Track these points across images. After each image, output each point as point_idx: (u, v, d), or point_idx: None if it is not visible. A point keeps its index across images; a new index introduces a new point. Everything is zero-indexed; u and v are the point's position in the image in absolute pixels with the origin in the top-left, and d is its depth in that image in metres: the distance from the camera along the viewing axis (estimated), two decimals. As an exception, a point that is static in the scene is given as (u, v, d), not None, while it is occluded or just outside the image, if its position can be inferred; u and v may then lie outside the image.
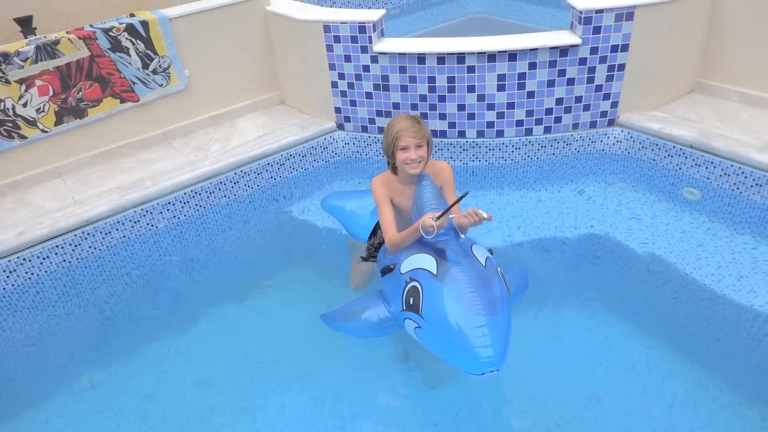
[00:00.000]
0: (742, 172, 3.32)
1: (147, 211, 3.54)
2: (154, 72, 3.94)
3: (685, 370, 2.55)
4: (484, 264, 2.24)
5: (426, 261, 2.26)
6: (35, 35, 3.73)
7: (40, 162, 3.75)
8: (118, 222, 3.46)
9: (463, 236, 2.37)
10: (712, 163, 3.45)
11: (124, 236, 3.50)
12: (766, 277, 2.87)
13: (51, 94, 3.62)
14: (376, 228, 2.90)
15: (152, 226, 3.58)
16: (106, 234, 3.44)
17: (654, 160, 3.71)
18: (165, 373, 2.76)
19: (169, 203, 3.60)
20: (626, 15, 3.46)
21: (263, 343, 2.90)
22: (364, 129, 4.07)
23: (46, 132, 3.69)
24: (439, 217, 2.17)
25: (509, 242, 3.29)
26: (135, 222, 3.52)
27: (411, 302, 2.21)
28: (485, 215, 2.11)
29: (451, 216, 2.23)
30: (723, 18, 3.79)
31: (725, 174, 3.40)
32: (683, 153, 3.56)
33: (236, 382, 2.67)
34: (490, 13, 5.51)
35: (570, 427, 2.35)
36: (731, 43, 3.82)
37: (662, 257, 3.07)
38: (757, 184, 3.28)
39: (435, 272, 2.19)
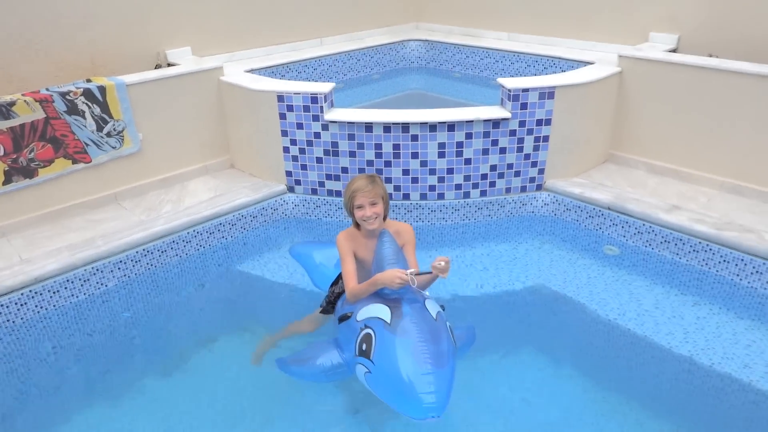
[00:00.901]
0: (652, 230, 3.78)
1: (98, 270, 3.54)
2: (108, 135, 4.04)
3: (615, 408, 2.79)
4: (435, 317, 2.43)
5: (381, 310, 2.43)
6: (-12, 96, 3.77)
7: (-17, 221, 3.70)
8: (68, 281, 3.44)
9: (426, 293, 2.59)
10: (627, 222, 3.90)
11: (72, 295, 3.47)
12: (680, 321, 3.24)
13: (2, 153, 3.64)
14: (338, 278, 3.07)
15: (102, 284, 3.58)
16: (54, 293, 3.40)
17: (577, 220, 4.13)
18: None
19: (121, 261, 3.62)
20: (548, 93, 3.95)
21: (211, 401, 2.87)
22: (314, 191, 4.30)
23: (-7, 191, 3.67)
24: (416, 275, 2.42)
25: (452, 296, 3.53)
26: (84, 281, 3.50)
27: (363, 348, 2.35)
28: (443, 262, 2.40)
29: (414, 276, 2.45)
30: (628, 99, 4.40)
31: (638, 232, 3.85)
32: (602, 214, 4.00)
33: None
34: (426, 90, 6.01)
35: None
36: (636, 120, 4.41)
37: (588, 306, 3.39)
38: (665, 241, 3.73)
39: (389, 321, 2.36)
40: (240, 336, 3.40)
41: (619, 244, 3.92)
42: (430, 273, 2.46)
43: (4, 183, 3.70)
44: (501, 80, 4.05)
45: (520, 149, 4.09)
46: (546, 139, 4.09)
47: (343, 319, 2.61)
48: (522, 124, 4.00)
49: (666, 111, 4.24)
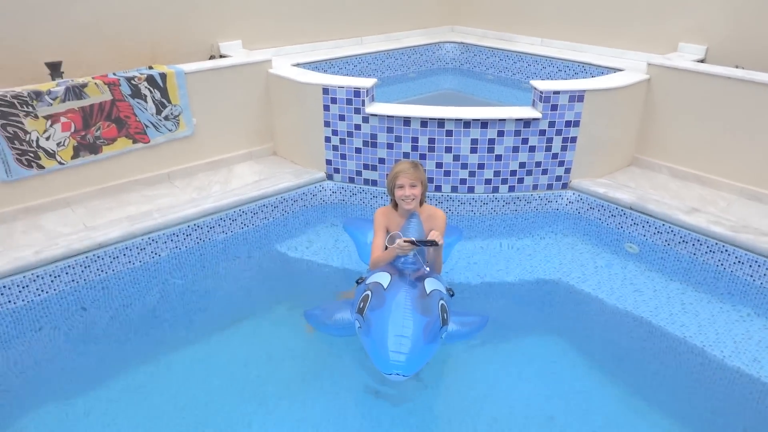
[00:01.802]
0: (672, 231, 3.97)
1: (153, 240, 3.87)
2: (166, 118, 4.37)
3: (625, 397, 2.95)
4: (428, 293, 2.71)
5: (383, 277, 2.78)
6: (62, 78, 4.14)
7: (52, 191, 4.06)
8: (126, 248, 3.77)
9: (426, 268, 2.87)
10: (647, 222, 4.10)
11: (129, 261, 3.80)
12: (693, 316, 3.44)
13: (72, 130, 3.99)
14: None
15: (156, 254, 3.90)
16: (113, 258, 3.74)
17: (600, 219, 4.34)
18: (148, 396, 2.88)
19: (174, 234, 3.94)
20: (578, 97, 4.17)
21: (245, 372, 3.05)
22: (351, 180, 4.58)
23: (63, 164, 4.02)
24: (411, 243, 2.76)
25: (477, 283, 3.77)
26: (141, 249, 3.83)
27: (361, 306, 2.69)
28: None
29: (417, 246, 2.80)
30: (654, 106, 4.59)
31: (658, 232, 4.05)
32: (624, 213, 4.21)
33: (217, 408, 2.80)
34: (460, 90, 6.27)
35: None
36: (661, 126, 4.60)
37: (606, 300, 3.60)
38: (683, 241, 3.92)
39: (385, 286, 2.70)
40: (276, 311, 3.66)
41: (640, 243, 4.12)
42: (433, 243, 2.78)
43: (73, 157, 4.05)
44: (533, 82, 4.28)
45: (548, 148, 4.31)
46: (574, 140, 4.31)
47: (359, 281, 2.96)
48: (552, 124, 4.23)
49: (691, 118, 4.43)
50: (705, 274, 3.79)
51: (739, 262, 3.70)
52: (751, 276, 3.66)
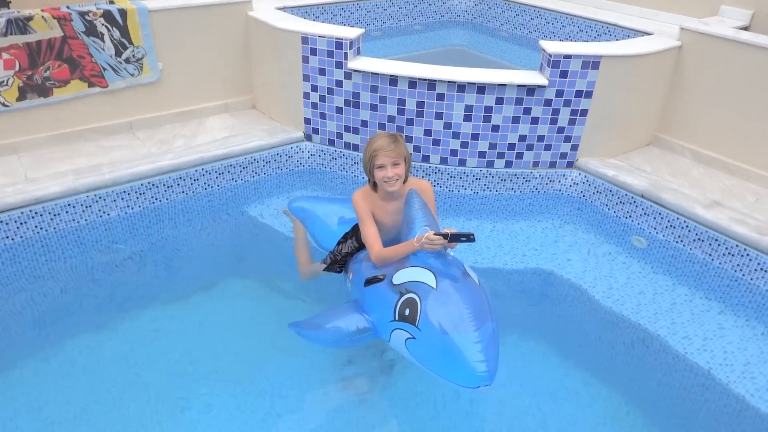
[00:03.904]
0: (687, 226, 3.45)
1: (100, 197, 3.48)
2: (127, 61, 3.92)
3: (616, 409, 2.62)
4: (479, 284, 2.31)
5: (423, 275, 2.28)
6: (8, 9, 3.68)
7: (-4, 135, 3.68)
8: (69, 205, 3.40)
9: (451, 253, 2.43)
10: (660, 214, 3.58)
11: (73, 219, 3.44)
12: (698, 326, 2.98)
13: (17, 69, 3.57)
14: (346, 237, 2.92)
15: (104, 213, 3.53)
16: (54, 215, 3.37)
17: (607, 205, 3.83)
18: (93, 365, 2.69)
19: (124, 192, 3.56)
20: (592, 63, 3.60)
21: (199, 344, 2.85)
22: (331, 142, 4.11)
23: (7, 106, 3.62)
24: (443, 238, 2.22)
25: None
26: (86, 207, 3.46)
27: (407, 313, 2.23)
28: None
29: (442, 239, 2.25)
30: (684, 78, 3.98)
31: (671, 226, 3.53)
32: (634, 201, 3.69)
33: (167, 381, 2.63)
34: (469, 47, 5.66)
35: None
36: (689, 103, 4.00)
37: (604, 300, 3.16)
38: (699, 239, 3.41)
39: (434, 286, 2.23)
40: (239, 281, 3.34)
41: (649, 237, 3.62)
42: (470, 237, 2.24)
43: (18, 99, 3.65)
44: (543, 43, 3.71)
45: (554, 121, 3.77)
46: (584, 113, 3.76)
47: (373, 281, 2.46)
48: (559, 93, 3.67)
49: (724, 95, 3.82)
50: (719, 280, 3.29)
51: (761, 269, 3.18)
52: (774, 287, 3.15)
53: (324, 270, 2.97)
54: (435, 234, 2.22)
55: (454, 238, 2.22)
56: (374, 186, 2.61)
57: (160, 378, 2.65)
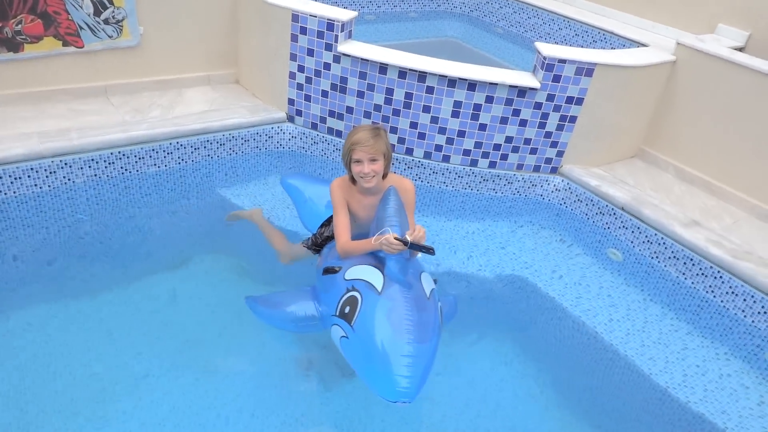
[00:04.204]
0: (663, 243, 3.44)
1: (66, 164, 3.32)
2: (106, 22, 3.73)
3: (575, 423, 2.59)
4: (428, 296, 2.23)
5: (373, 275, 2.22)
6: (-18, -46, 3.46)
7: (-41, 88, 3.48)
8: (32, 169, 3.23)
9: (413, 256, 2.36)
10: (638, 228, 3.56)
11: (35, 185, 3.27)
12: (665, 349, 2.97)
13: (-14, 19, 3.37)
14: (330, 220, 2.84)
15: (69, 180, 3.37)
16: (15, 179, 3.20)
17: (587, 215, 3.79)
18: (41, 343, 2.56)
19: (92, 160, 3.40)
20: (586, 70, 3.53)
21: (159, 327, 2.74)
22: (314, 126, 3.99)
23: (-27, 58, 3.43)
24: (403, 244, 2.14)
25: (434, 269, 3.27)
26: (51, 172, 3.30)
27: (346, 311, 2.18)
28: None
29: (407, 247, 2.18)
30: (675, 94, 3.95)
31: (648, 241, 3.51)
32: (614, 213, 3.66)
33: (125, 360, 2.53)
34: (463, 40, 5.55)
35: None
36: (678, 119, 3.98)
37: (575, 312, 3.13)
38: (674, 257, 3.40)
39: (379, 289, 2.16)
40: (207, 261, 3.23)
41: (625, 250, 3.60)
42: (430, 250, 2.17)
43: (-14, 52, 3.45)
44: (538, 45, 3.62)
45: (542, 125, 3.71)
46: (573, 119, 3.70)
47: (329, 271, 2.41)
48: (550, 98, 3.60)
49: (713, 115, 3.80)
50: (690, 300, 3.29)
51: (732, 293, 3.19)
52: (743, 311, 3.15)
53: (306, 251, 2.93)
54: (396, 238, 2.15)
55: (414, 246, 2.15)
56: (353, 179, 2.53)
57: (116, 357, 2.54)
